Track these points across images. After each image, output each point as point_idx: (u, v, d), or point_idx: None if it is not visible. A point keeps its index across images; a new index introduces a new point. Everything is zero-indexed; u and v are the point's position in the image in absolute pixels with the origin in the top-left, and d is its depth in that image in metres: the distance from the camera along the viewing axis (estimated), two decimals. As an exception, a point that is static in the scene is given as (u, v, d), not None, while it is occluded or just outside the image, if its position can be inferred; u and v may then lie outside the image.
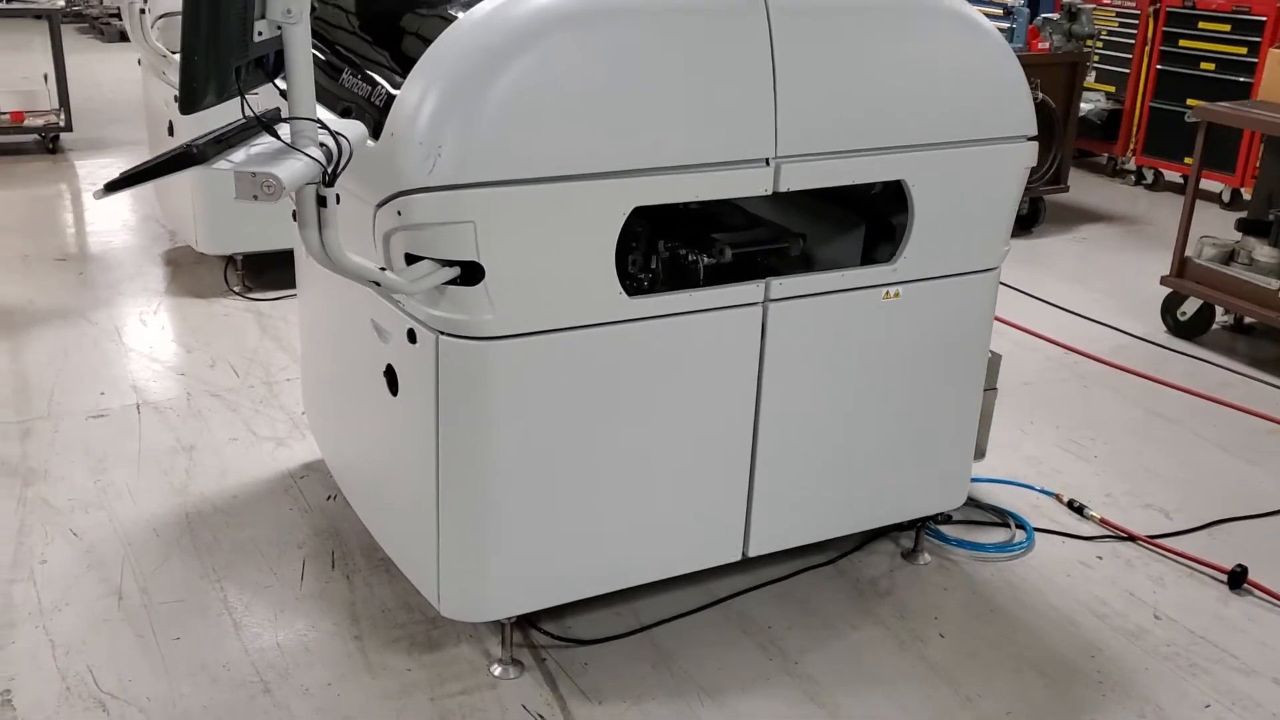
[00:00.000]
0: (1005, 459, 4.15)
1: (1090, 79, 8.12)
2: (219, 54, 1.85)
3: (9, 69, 9.57)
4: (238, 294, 5.37)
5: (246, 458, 3.96)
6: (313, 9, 2.04)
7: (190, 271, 5.65)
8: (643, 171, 2.59)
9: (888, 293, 3.02)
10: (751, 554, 3.12)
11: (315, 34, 3.17)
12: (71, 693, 2.85)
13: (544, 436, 2.69)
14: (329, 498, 3.70)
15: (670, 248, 2.98)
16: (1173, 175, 7.97)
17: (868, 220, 3.25)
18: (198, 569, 3.35)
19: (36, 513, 3.59)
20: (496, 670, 2.96)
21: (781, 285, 2.87)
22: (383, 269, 2.39)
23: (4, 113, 7.44)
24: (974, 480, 3.91)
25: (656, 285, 3.01)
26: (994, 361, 3.71)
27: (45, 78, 7.63)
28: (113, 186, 1.89)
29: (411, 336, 2.68)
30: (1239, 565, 3.47)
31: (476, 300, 2.53)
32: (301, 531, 3.54)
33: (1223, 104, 5.25)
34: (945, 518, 3.64)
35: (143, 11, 4.65)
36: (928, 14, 2.91)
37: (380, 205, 2.50)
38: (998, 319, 5.34)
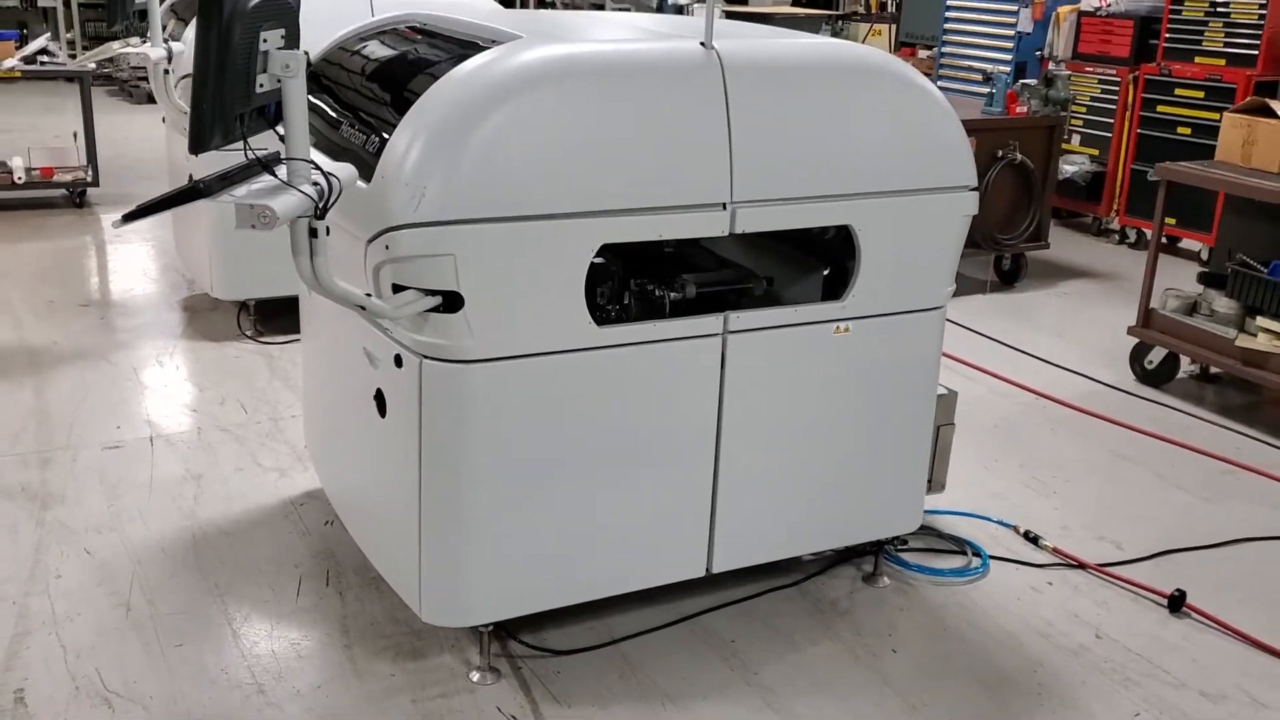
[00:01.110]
0: (969, 493, 4.38)
1: (1075, 142, 8.44)
2: (224, 103, 2.14)
3: (43, 128, 10.03)
4: (250, 337, 5.66)
5: (251, 486, 4.22)
6: (308, 64, 2.33)
7: (206, 317, 5.96)
8: (609, 213, 2.87)
9: (838, 327, 3.28)
10: (715, 570, 3.36)
11: (325, 89, 3.50)
12: (80, 692, 3.08)
13: (518, 454, 2.95)
14: (327, 523, 3.95)
15: (640, 284, 3.25)
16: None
17: (828, 263, 3.51)
18: (201, 585, 3.59)
19: (54, 533, 3.85)
20: (475, 676, 3.19)
21: (739, 318, 3.13)
22: (368, 295, 2.66)
23: (35, 169, 7.81)
24: (936, 512, 4.15)
25: (629, 317, 3.27)
26: (949, 398, 3.96)
27: (75, 136, 8.01)
28: (130, 217, 2.17)
29: (398, 361, 2.95)
30: (1178, 590, 3.68)
31: (457, 327, 2.80)
32: (300, 553, 3.78)
33: (1182, 163, 5.53)
34: (902, 542, 3.87)
35: (167, 72, 4.99)
36: (871, 74, 3.20)
37: (371, 240, 2.78)
38: (973, 366, 5.61)
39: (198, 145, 2.17)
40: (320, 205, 2.36)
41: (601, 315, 3.16)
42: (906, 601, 3.67)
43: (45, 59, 7.82)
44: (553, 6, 16.57)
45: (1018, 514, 4.23)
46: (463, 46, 3.08)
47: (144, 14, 5.32)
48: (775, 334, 3.20)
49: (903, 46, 10.50)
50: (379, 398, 3.11)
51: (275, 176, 2.29)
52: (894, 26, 10.81)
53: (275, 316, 5.76)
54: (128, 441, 4.53)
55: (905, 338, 3.40)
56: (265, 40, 2.23)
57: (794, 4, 16.12)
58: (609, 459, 3.08)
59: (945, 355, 5.68)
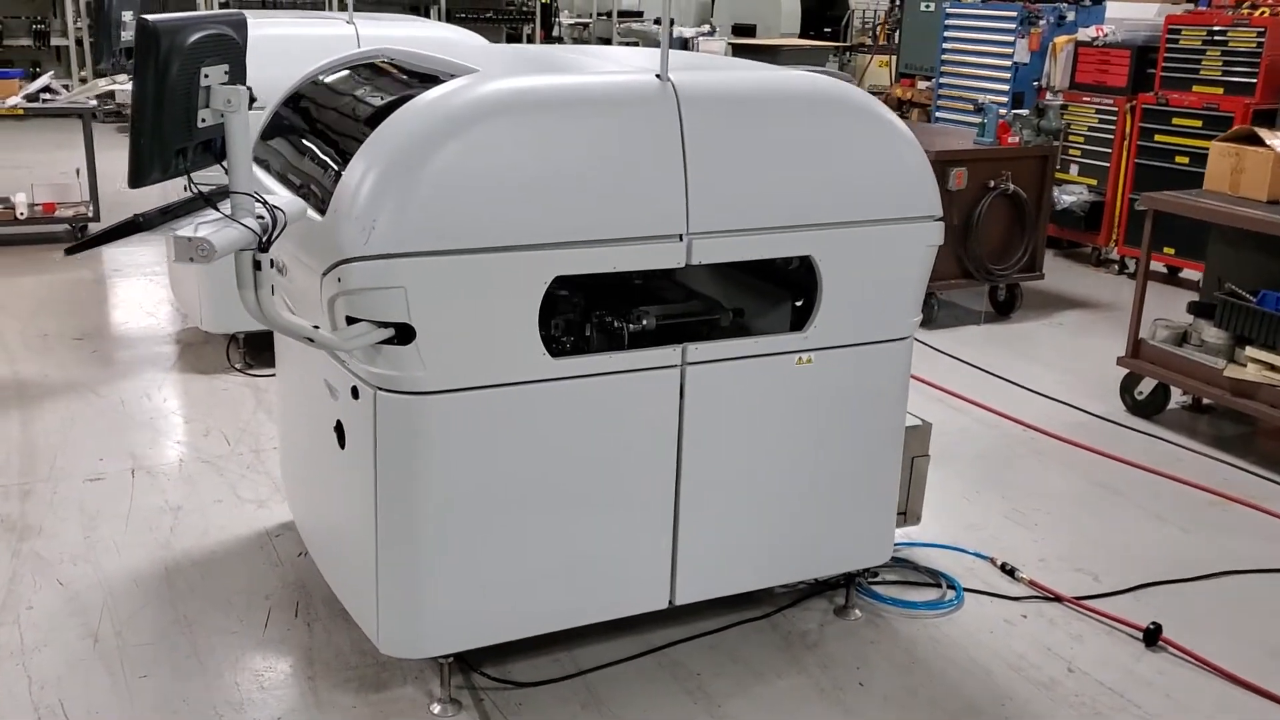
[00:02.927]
0: (947, 525, 4.35)
1: (1073, 172, 8.44)
2: (162, 138, 2.17)
3: (48, 164, 10.15)
4: (239, 370, 5.69)
5: (228, 518, 4.23)
6: (251, 100, 2.36)
7: (197, 350, 6.00)
8: (562, 244, 2.88)
9: (801, 358, 3.28)
10: (679, 602, 3.34)
11: (293, 123, 3.53)
12: (43, 723, 3.09)
13: (474, 485, 2.95)
14: (300, 554, 3.96)
15: (599, 315, 3.26)
16: (1155, 264, 8.19)
17: (797, 294, 3.51)
18: (171, 616, 3.60)
19: (28, 564, 3.87)
20: (436, 709, 3.18)
21: (698, 350, 3.14)
22: (316, 327, 2.68)
23: (37, 204, 7.90)
24: (911, 544, 4.13)
25: (590, 348, 3.28)
26: (923, 430, 3.95)
27: (77, 172, 8.10)
28: (72, 250, 2.20)
29: (355, 393, 2.97)
30: (1153, 623, 3.64)
31: (409, 358, 2.81)
32: (271, 584, 3.79)
33: (1168, 193, 5.51)
34: (874, 574, 3.84)
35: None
36: (832, 105, 3.22)
37: (325, 273, 2.80)
38: (961, 397, 5.59)
39: (136, 179, 2.20)
40: (263, 238, 2.38)
41: (559, 346, 3.16)
42: (877, 634, 3.64)
43: (48, 96, 7.92)
44: (559, 42, 16.72)
45: (996, 546, 4.20)
46: (423, 81, 3.11)
47: (130, 51, 5.38)
48: (735, 365, 3.20)
49: (903, 77, 10.53)
50: (339, 429, 3.12)
51: (217, 210, 2.31)
52: (894, 57, 10.85)
53: (265, 349, 5.77)
54: (109, 473, 4.56)
55: (870, 368, 3.39)
56: (207, 76, 2.26)
57: (802, 36, 16.22)
58: (567, 490, 3.07)
59: (934, 386, 5.68)
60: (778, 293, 3.60)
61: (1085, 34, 8.51)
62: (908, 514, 4.01)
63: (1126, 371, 5.59)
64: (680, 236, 3.02)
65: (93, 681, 3.27)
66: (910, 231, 3.32)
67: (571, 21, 18.21)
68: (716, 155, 3.04)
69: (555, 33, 16.83)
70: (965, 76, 9.23)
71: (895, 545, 4.05)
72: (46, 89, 7.96)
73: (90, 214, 7.97)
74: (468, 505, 2.96)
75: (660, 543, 3.24)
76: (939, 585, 3.92)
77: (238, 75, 2.41)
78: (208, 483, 4.51)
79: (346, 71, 3.58)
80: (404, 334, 2.79)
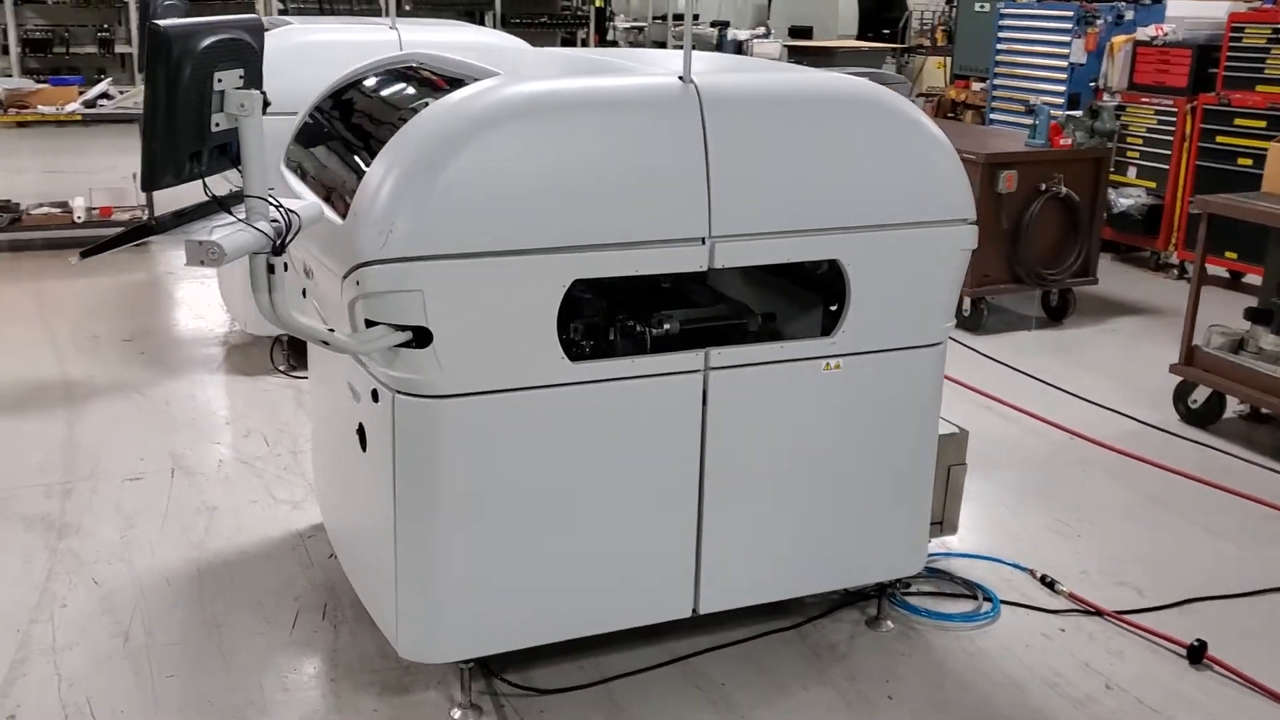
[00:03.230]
0: (987, 535, 4.26)
1: (1131, 175, 8.25)
2: (175, 142, 2.17)
3: (109, 169, 10.33)
4: (282, 372, 5.74)
5: (262, 518, 4.25)
6: (265, 104, 2.35)
7: (243, 352, 6.05)
8: (581, 248, 2.85)
9: (828, 364, 3.22)
10: (702, 611, 3.29)
11: (323, 128, 3.54)
12: (69, 720, 3.12)
13: (493, 489, 2.93)
14: (330, 556, 3.96)
15: (622, 319, 3.22)
16: (1216, 269, 7.97)
17: (828, 298, 3.45)
18: (200, 616, 3.62)
19: (65, 563, 3.91)
20: (456, 714, 3.16)
21: (720, 355, 3.09)
22: (331, 330, 2.67)
23: (94, 208, 8.04)
24: (949, 555, 4.04)
25: (614, 353, 3.24)
26: (959, 438, 3.86)
27: (134, 176, 8.22)
28: (87, 254, 2.21)
29: (375, 396, 2.96)
30: (1198, 640, 3.52)
31: (427, 362, 2.79)
32: (300, 585, 3.80)
33: (1221, 195, 5.36)
34: (905, 585, 3.76)
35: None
36: (860, 107, 3.15)
37: (345, 276, 2.80)
38: (1009, 404, 5.48)
39: (148, 183, 2.20)
40: (277, 242, 2.38)
41: (579, 350, 3.13)
42: (909, 647, 3.57)
43: (105, 103, 8.05)
44: (614, 46, 16.72)
45: (1036, 558, 4.10)
46: (450, 85, 3.10)
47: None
48: (760, 371, 3.15)
49: (957, 79, 10.38)
50: (360, 432, 3.11)
51: (231, 214, 2.31)
52: (948, 58, 10.70)
53: (307, 352, 5.83)
54: (149, 473, 4.60)
55: (901, 375, 3.32)
56: (220, 80, 2.26)
57: (860, 38, 16.07)
58: (587, 496, 3.04)
59: (981, 393, 5.57)
60: (810, 297, 3.54)
61: (1144, 33, 8.32)
62: (944, 523, 3.93)
63: (1180, 379, 5.44)
64: (703, 240, 2.98)
65: (119, 681, 3.29)
66: (942, 235, 3.25)
67: (627, 26, 18.22)
68: (740, 157, 2.99)
69: (610, 37, 16.84)
70: (1020, 78, 9.07)
71: (931, 555, 3.98)
72: (104, 95, 8.10)
73: (145, 218, 8.09)
74: (486, 510, 2.93)
75: (683, 551, 3.20)
76: (975, 597, 3.83)
77: (253, 79, 2.41)
78: (244, 483, 4.54)
79: (376, 76, 3.58)
80: (422, 337, 2.78)
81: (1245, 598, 3.91)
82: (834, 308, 3.36)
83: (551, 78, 2.99)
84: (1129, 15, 8.60)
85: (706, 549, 3.23)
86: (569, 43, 16.27)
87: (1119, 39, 8.40)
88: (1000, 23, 9.22)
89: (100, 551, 4.00)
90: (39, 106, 7.69)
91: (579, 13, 15.64)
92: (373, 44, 5.35)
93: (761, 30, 15.58)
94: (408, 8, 14.77)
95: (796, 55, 15.35)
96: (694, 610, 3.28)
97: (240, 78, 2.33)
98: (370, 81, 3.56)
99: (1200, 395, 5.37)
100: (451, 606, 2.98)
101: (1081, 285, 6.95)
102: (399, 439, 2.88)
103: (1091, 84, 8.57)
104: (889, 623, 3.65)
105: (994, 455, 4.98)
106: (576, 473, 3.01)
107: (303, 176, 3.41)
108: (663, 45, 17.14)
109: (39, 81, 8.49)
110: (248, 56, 2.37)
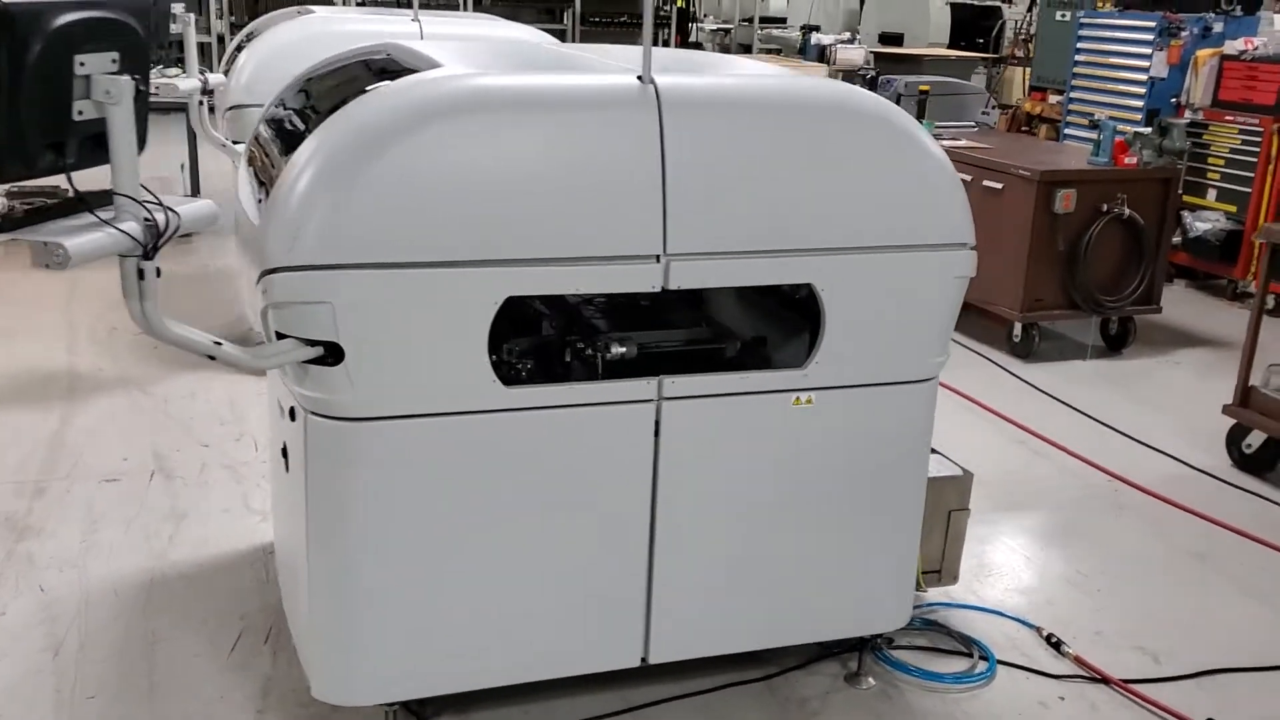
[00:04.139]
0: (996, 586, 3.91)
1: (1210, 198, 7.75)
2: (19, 130, 1.97)
3: (165, 157, 10.33)
4: (288, 373, 5.58)
5: (230, 529, 4.08)
6: (137, 92, 2.15)
7: (256, 350, 5.92)
8: (516, 262, 2.60)
9: (798, 398, 2.92)
10: (653, 660, 3.02)
11: (286, 114, 3.34)
12: (-22, 740, 2.96)
13: (413, 523, 2.69)
14: (290, 573, 3.77)
15: (573, 341, 2.96)
16: (1295, 303, 7.47)
17: (814, 325, 3.16)
18: (140, 632, 3.45)
19: (17, 566, 3.78)
20: (381, 758, 2.94)
21: (675, 384, 2.81)
22: (217, 343, 2.46)
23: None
24: (949, 606, 3.72)
25: (569, 376, 2.98)
26: (963, 481, 3.55)
27: (181, 167, 8.19)
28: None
29: (292, 414, 2.74)
30: (1210, 719, 3.15)
31: (338, 381, 2.57)
32: (250, 605, 3.61)
33: (1288, 224, 4.91)
34: (887, 640, 3.44)
35: (201, 103, 4.97)
36: (843, 116, 2.85)
37: (257, 282, 2.59)
38: (1046, 440, 5.11)
39: (-3, 177, 2.00)
40: (147, 245, 2.17)
41: (519, 373, 2.88)
42: (890, 707, 3.25)
43: (153, 93, 8.01)
44: (698, 48, 16.44)
45: (1047, 613, 3.75)
46: (394, 77, 2.87)
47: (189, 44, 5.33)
48: (721, 402, 2.86)
49: (1034, 90, 9.92)
50: (284, 452, 2.90)
51: (91, 212, 2.11)
52: (1024, 69, 10.25)
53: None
54: (128, 474, 4.47)
55: (883, 413, 3.01)
56: (83, 64, 2.05)
57: (952, 46, 15.59)
58: (522, 532, 2.79)
59: (1018, 426, 5.21)
60: (802, 322, 3.24)
61: (1232, 47, 7.81)
62: (943, 572, 3.62)
63: (1234, 422, 5.01)
64: (657, 258, 2.71)
65: (38, 699, 3.13)
66: (933, 260, 2.93)
67: (714, 28, 17.95)
68: (703, 168, 2.71)
69: (693, 39, 16.56)
70: (1097, 91, 8.60)
71: (928, 605, 3.67)
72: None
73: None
74: (406, 544, 2.70)
75: (632, 595, 2.93)
76: (970, 655, 3.49)
77: (135, 65, 2.20)
78: (222, 490, 4.38)
79: (341, 66, 3.37)
80: (333, 353, 2.55)
81: (1274, 672, 3.51)
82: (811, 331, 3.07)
83: (498, 73, 2.75)
84: (1217, 27, 8.09)
85: (658, 594, 2.95)
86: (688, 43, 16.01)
87: (1204, 52, 7.90)
88: (1079, 32, 8.75)
89: (55, 556, 3.85)
90: None
91: (660, 12, 15.38)
92: (391, 35, 5.17)
93: (846, 36, 15.20)
94: (486, 2, 14.67)
95: (881, 62, 14.97)
96: (643, 659, 3.01)
97: (114, 61, 2.12)
98: (330, 72, 3.35)
99: (1256, 440, 4.93)
100: (369, 645, 2.75)
101: (1144, 314, 6.51)
102: (310, 462, 2.66)
103: (1173, 100, 8.07)
104: (870, 679, 3.34)
105: (1019, 496, 4.62)
106: (510, 507, 2.76)
107: (254, 173, 3.21)
108: (748, 49, 16.81)
109: None
110: (126, 39, 2.17)
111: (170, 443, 4.78)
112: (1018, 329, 6.27)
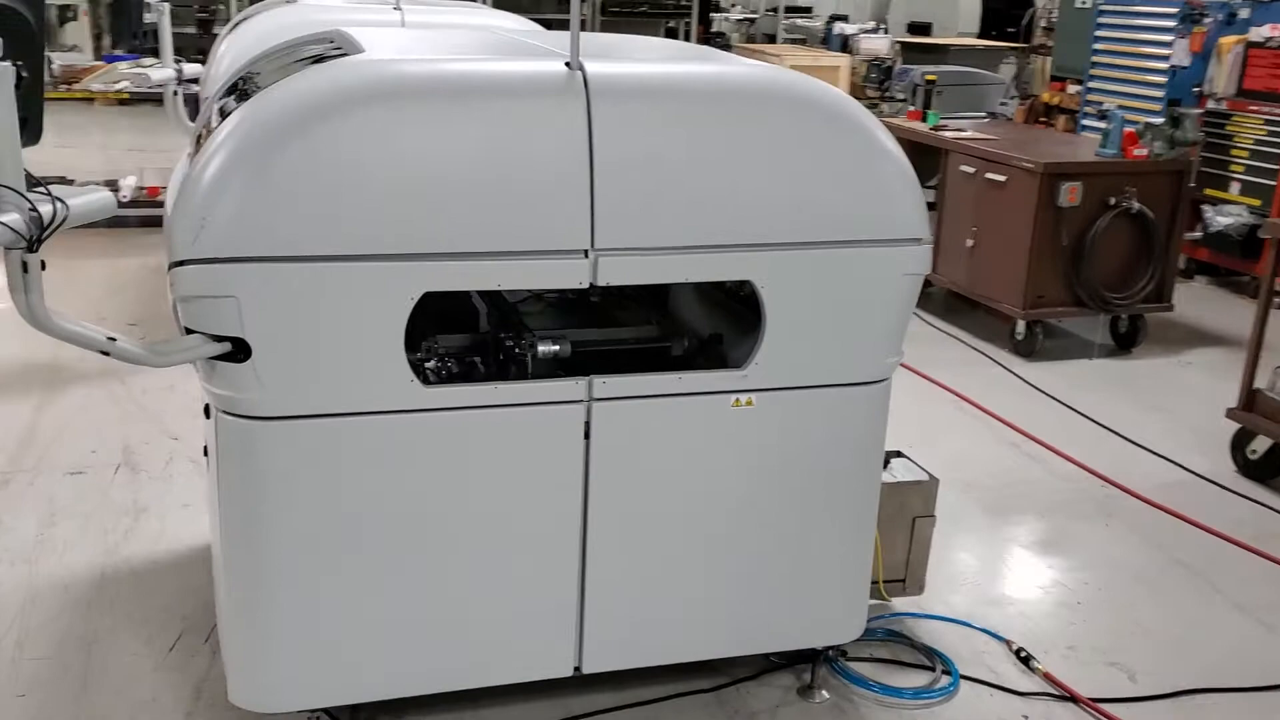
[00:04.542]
0: (969, 595, 3.76)
1: (1234, 191, 7.51)
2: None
3: (162, 151, 10.31)
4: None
5: (188, 525, 4.01)
6: (18, 80, 2.05)
7: (243, 341, 5.86)
8: (434, 256, 2.49)
9: (737, 399, 2.79)
10: (587, 670, 2.91)
11: (226, 101, 3.25)
12: (-98, 738, 2.90)
13: (326, 526, 2.59)
14: (241, 571, 3.69)
15: (503, 338, 2.85)
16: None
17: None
18: (80, 629, 3.38)
19: (-32, 560, 3.73)
20: (307, 765, 2.85)
21: (605, 384, 2.69)
22: (111, 338, 2.37)
23: (143, 188, 7.98)
24: (917, 616, 3.58)
25: (505, 375, 2.87)
26: (927, 486, 3.42)
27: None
28: None
29: (207, 411, 2.65)
30: (1179, 744, 3.00)
31: (246, 378, 2.47)
32: (194, 603, 3.53)
33: (1293, 220, 4.71)
34: (840, 652, 3.30)
35: (176, 93, 4.90)
36: (785, 105, 2.72)
37: (168, 274, 2.50)
38: (1040, 442, 4.96)
39: None
40: (30, 238, 2.08)
41: (439, 372, 2.77)
42: (842, 722, 3.12)
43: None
44: (720, 38, 16.26)
45: (1021, 626, 3.60)
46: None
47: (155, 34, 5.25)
48: (655, 404, 2.74)
49: (1054, 80, 9.68)
50: (206, 450, 2.82)
51: (-36, 203, 2.02)
52: (1044, 59, 10.01)
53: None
54: (94, 467, 4.41)
55: (830, 416, 2.88)
56: (-43, 48, 1.96)
57: (982, 36, 15.32)
58: (445, 537, 2.68)
59: (1011, 427, 5.04)
60: (749, 317, 3.11)
61: (1258, 34, 7.54)
62: (907, 581, 3.49)
63: (1238, 426, 4.81)
64: (585, 253, 2.59)
65: (-34, 697, 3.07)
66: (882, 257, 2.79)
67: (739, 17, 17.75)
68: (634, 159, 2.59)
69: (715, 28, 16.37)
70: (1117, 80, 8.36)
71: (893, 616, 3.54)
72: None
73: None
74: (319, 548, 2.60)
75: (563, 603, 2.82)
76: (932, 668, 3.35)
77: (23, 52, 2.11)
78: (184, 485, 4.31)
79: (283, 52, 3.27)
80: (241, 349, 2.45)
81: (1257, 693, 3.35)
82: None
83: (423, 60, 2.64)
84: (1243, 14, 7.82)
85: (591, 603, 2.84)
86: (672, 33, 15.85)
87: (1228, 39, 7.64)
88: (1099, 20, 8.51)
89: (9, 550, 3.80)
90: (90, 84, 7.64)
91: (681, 3, 15.22)
92: (370, 25, 5.07)
93: (871, 25, 14.98)
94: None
95: (908, 51, 14.74)
96: (576, 669, 2.90)
97: (-2, 47, 2.04)
98: (272, 58, 3.25)
99: (1261, 445, 4.74)
100: (283, 650, 2.66)
101: (1155, 311, 6.30)
102: (222, 460, 2.57)
103: (1195, 89, 7.82)
104: (823, 692, 3.21)
105: (1005, 501, 4.46)
106: (432, 511, 2.65)
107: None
108: (772, 39, 16.61)
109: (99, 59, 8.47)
110: (12, 25, 2.08)
111: (141, 435, 4.72)
112: (1020, 327, 6.09)
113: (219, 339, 2.45)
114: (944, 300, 7.00)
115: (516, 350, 2.81)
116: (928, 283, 6.76)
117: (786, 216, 2.70)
